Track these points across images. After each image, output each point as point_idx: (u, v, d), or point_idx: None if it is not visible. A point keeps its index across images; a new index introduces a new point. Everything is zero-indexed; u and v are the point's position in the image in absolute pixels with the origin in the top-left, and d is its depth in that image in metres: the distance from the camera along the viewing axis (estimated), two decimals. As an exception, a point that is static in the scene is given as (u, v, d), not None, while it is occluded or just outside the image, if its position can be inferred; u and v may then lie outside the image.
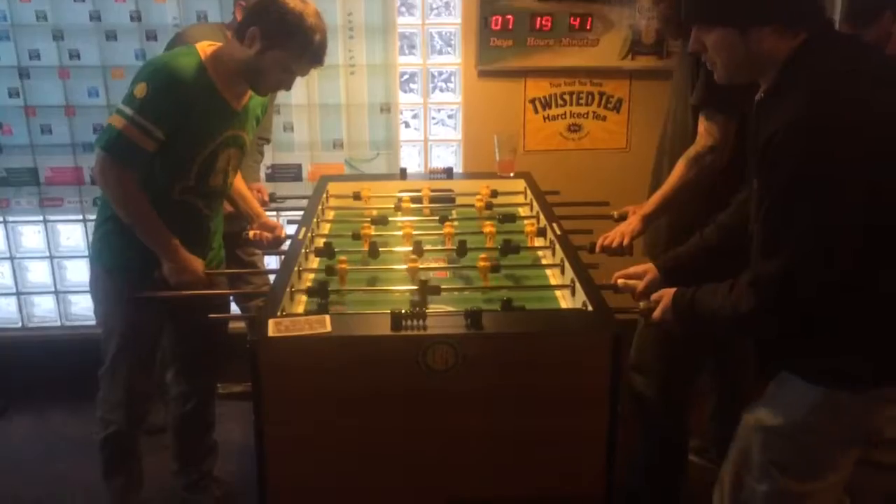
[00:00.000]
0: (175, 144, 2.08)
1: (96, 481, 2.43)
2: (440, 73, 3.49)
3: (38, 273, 3.51)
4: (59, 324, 3.55)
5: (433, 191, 2.77)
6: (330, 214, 2.73)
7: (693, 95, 2.16)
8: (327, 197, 2.80)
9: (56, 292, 3.51)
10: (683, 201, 2.21)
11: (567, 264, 2.10)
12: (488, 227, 2.40)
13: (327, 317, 1.76)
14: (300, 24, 2.04)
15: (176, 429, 2.59)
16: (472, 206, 2.68)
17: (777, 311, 1.46)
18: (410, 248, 2.27)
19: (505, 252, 2.25)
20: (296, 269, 2.10)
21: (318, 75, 3.26)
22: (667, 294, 1.74)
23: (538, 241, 2.39)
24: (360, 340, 1.74)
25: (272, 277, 2.11)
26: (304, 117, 3.36)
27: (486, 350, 1.72)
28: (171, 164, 2.12)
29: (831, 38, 1.51)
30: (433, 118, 3.54)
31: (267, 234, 2.44)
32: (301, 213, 2.60)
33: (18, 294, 3.51)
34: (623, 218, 2.39)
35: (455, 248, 2.27)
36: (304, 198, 2.80)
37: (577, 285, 1.97)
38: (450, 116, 3.57)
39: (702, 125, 2.14)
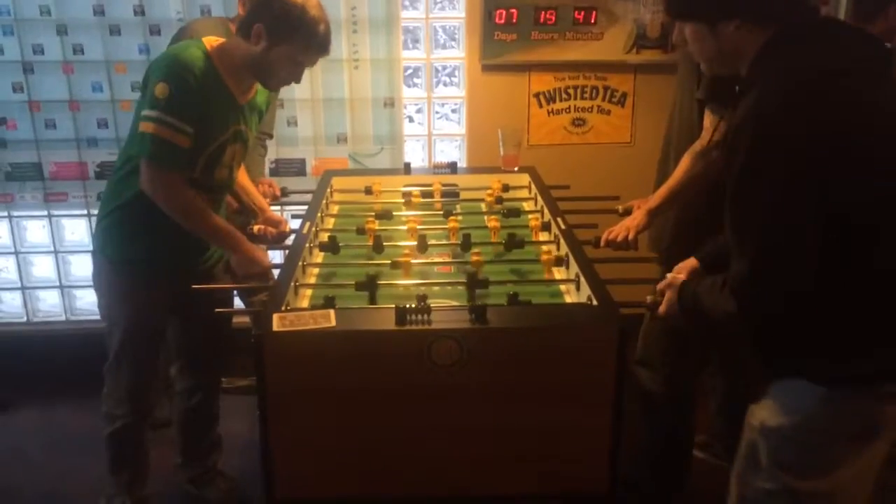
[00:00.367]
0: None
1: (100, 476, 2.44)
2: (444, 68, 3.48)
3: (42, 268, 3.52)
4: (63, 318, 3.56)
5: (443, 185, 2.77)
6: (334, 209, 2.73)
7: (698, 90, 2.15)
8: (331, 192, 2.80)
9: (61, 287, 3.52)
10: (690, 195, 2.20)
11: (572, 258, 2.10)
12: (493, 222, 2.40)
13: (332, 311, 1.76)
14: (303, 17, 2.04)
15: (181, 423, 2.60)
16: (477, 200, 2.68)
17: (754, 311, 1.45)
18: (415, 243, 2.27)
19: (510, 247, 2.25)
20: (300, 263, 2.10)
21: (322, 69, 3.25)
22: (675, 283, 1.73)
23: (543, 236, 2.38)
24: (365, 335, 1.74)
25: (276, 272, 2.11)
26: (307, 112, 3.35)
27: (491, 345, 1.72)
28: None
29: (801, 32, 1.47)
30: (437, 113, 3.53)
31: (271, 229, 2.44)
32: (305, 207, 2.60)
33: (23, 288, 3.52)
34: (628, 212, 2.38)
35: (459, 242, 2.27)
36: (308, 192, 2.80)
37: (582, 279, 1.97)
38: (454, 111, 3.56)
39: (707, 119, 2.13)
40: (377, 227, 2.38)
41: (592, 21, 3.31)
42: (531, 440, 1.78)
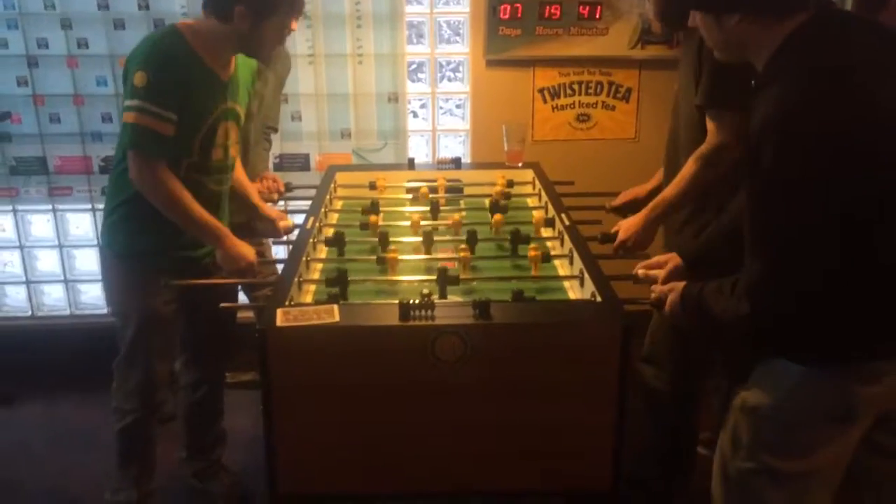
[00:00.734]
0: (179, 123, 2.06)
1: (104, 470, 2.44)
2: (448, 63, 3.47)
3: (47, 262, 3.52)
4: (68, 313, 3.56)
5: (448, 181, 2.77)
6: (338, 204, 2.73)
7: (697, 96, 2.12)
8: (335, 187, 2.80)
9: (65, 281, 3.52)
10: (695, 200, 2.18)
11: (576, 254, 2.09)
12: (497, 218, 2.39)
13: (335, 306, 1.76)
14: None
15: (186, 417, 2.60)
16: (482, 195, 2.68)
17: (767, 312, 1.45)
18: (420, 238, 2.27)
19: (514, 242, 2.25)
20: (304, 258, 2.10)
21: (326, 64, 3.26)
22: (676, 287, 1.72)
23: (546, 232, 2.38)
24: (369, 330, 1.74)
25: (280, 267, 2.11)
26: (311, 107, 3.35)
27: (495, 340, 1.72)
28: (176, 144, 2.09)
29: (822, 27, 1.46)
30: (441, 108, 3.52)
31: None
32: (309, 202, 2.60)
33: (28, 283, 3.52)
34: (610, 240, 2.32)
35: (464, 237, 2.26)
36: (312, 188, 2.80)
37: (586, 276, 1.97)
38: (458, 106, 3.55)
39: (710, 125, 2.10)
40: (381, 222, 2.37)
41: (597, 16, 3.29)
42: (534, 436, 1.78)
